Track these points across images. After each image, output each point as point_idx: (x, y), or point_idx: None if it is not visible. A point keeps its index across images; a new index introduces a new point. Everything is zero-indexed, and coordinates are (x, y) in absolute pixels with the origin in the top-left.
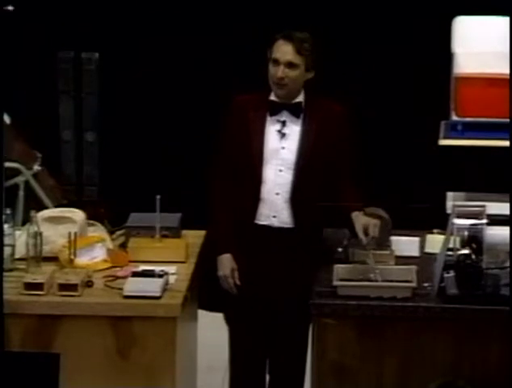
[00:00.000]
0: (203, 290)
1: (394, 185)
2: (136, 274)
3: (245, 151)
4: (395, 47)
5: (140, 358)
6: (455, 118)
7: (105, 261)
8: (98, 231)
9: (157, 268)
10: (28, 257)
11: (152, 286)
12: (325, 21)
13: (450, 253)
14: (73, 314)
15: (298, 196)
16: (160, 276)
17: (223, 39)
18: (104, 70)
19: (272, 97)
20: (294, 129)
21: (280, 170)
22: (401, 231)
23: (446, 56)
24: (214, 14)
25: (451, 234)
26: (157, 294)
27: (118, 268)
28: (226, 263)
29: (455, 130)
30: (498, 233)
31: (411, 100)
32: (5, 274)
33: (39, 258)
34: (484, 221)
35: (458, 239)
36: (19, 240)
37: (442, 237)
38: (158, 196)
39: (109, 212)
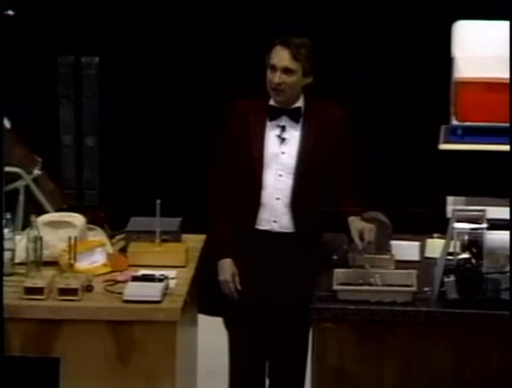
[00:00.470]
0: (203, 294)
1: (394, 189)
2: (136, 278)
3: (245, 156)
4: (395, 51)
5: (141, 362)
6: (454, 122)
7: (105, 265)
8: (98, 236)
9: (157, 273)
10: (28, 261)
11: (152, 290)
12: (325, 25)
13: (450, 257)
14: (73, 319)
15: (298, 201)
16: (160, 280)
17: (223, 43)
18: (104, 75)
19: (271, 102)
20: (294, 134)
21: (280, 175)
22: (401, 236)
23: (446, 61)
24: (214, 19)
25: (451, 238)
26: (157, 298)
27: (118, 273)
28: (227, 268)
29: (454, 135)
30: (498, 237)
31: (411, 105)
32: (5, 278)
33: (40, 262)
34: (485, 225)
35: (458, 244)
36: (19, 244)
37: (442, 241)
38: (158, 201)
39: (109, 216)
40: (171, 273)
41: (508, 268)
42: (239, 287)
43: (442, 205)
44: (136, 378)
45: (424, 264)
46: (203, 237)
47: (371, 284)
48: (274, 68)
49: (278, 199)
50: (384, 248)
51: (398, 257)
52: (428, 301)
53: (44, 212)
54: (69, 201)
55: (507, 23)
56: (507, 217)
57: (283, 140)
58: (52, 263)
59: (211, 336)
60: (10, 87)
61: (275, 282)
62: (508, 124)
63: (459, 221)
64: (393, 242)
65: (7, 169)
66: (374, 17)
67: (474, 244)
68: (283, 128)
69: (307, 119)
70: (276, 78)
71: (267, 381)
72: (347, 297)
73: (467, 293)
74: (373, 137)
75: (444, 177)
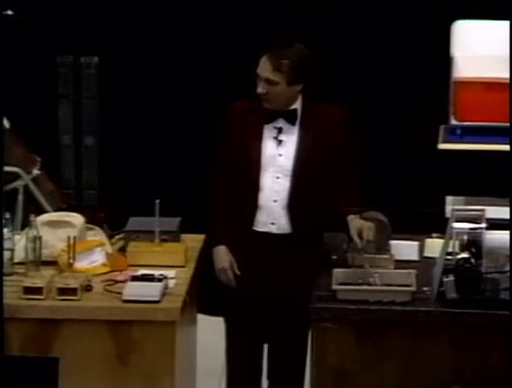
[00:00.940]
0: (203, 294)
1: (393, 189)
2: (135, 278)
3: (243, 158)
4: (394, 51)
5: (140, 362)
6: (454, 122)
7: (104, 265)
8: (97, 235)
9: (157, 272)
10: (27, 261)
11: (151, 290)
12: (326, 25)
13: (449, 257)
14: (73, 319)
15: (295, 203)
16: (159, 280)
17: (223, 43)
18: (103, 75)
19: (264, 104)
20: (291, 136)
21: (277, 177)
22: (401, 235)
23: (446, 61)
24: (214, 19)
25: (451, 238)
26: (157, 298)
27: (117, 272)
28: (223, 256)
29: (454, 134)
30: (497, 237)
31: (411, 104)
32: (4, 278)
33: (39, 262)
34: (484, 225)
35: (457, 243)
36: (19, 244)
37: (441, 241)
38: (157, 201)
39: (108, 216)
40: (170, 273)
41: (507, 268)
42: (238, 272)
43: (442, 205)
44: (135, 378)
45: (423, 264)
46: (202, 237)
47: (370, 284)
48: (258, 77)
49: (275, 201)
50: (383, 248)
51: (397, 257)
52: (427, 301)
53: (43, 211)
54: (68, 201)
55: (507, 22)
56: (506, 216)
57: (279, 142)
58: (52, 263)
59: (211, 336)
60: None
61: (274, 283)
62: (507, 124)
63: (458, 221)
64: (392, 242)
65: (6, 169)
66: (374, 17)
67: (473, 244)
68: (280, 130)
69: (304, 121)
70: (260, 87)
71: (267, 383)
72: (347, 297)
73: (466, 293)
74: (372, 137)
75: (443, 177)
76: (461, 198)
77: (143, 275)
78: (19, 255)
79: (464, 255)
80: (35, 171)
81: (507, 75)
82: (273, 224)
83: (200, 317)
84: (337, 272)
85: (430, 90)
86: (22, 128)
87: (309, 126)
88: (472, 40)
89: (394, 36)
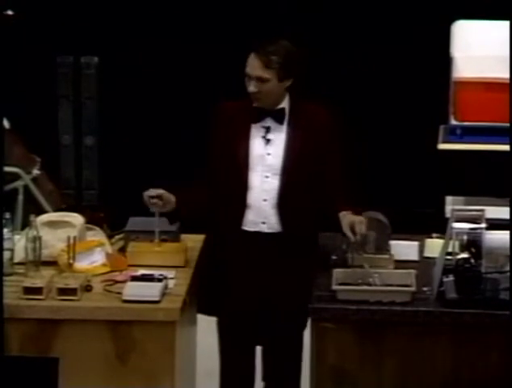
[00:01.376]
0: (203, 294)
1: (393, 189)
2: (135, 278)
3: (231, 158)
4: (394, 51)
5: (140, 362)
6: (453, 122)
7: (104, 265)
8: (97, 235)
9: (157, 273)
10: (27, 261)
11: (151, 290)
12: (326, 25)
13: (449, 257)
14: (72, 319)
15: (285, 202)
16: (159, 280)
17: (223, 43)
18: (103, 75)
19: (255, 104)
20: (279, 135)
21: (267, 177)
22: (400, 235)
23: (446, 61)
24: (214, 19)
25: (450, 238)
26: (157, 298)
27: (117, 273)
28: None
29: (453, 134)
30: (497, 237)
31: (410, 104)
32: (4, 278)
33: (39, 262)
34: (484, 225)
35: (457, 243)
36: (18, 244)
37: (441, 241)
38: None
39: (108, 216)
40: (170, 273)
41: (507, 268)
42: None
43: (441, 205)
44: (135, 378)
45: (423, 264)
46: (202, 237)
47: (370, 284)
48: (248, 76)
49: (265, 200)
50: (383, 248)
51: (397, 257)
52: (427, 301)
53: (43, 211)
54: (68, 201)
55: (507, 23)
56: (506, 216)
57: (268, 141)
58: (51, 263)
59: (211, 336)
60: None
61: (266, 283)
62: (507, 124)
63: (458, 221)
64: (392, 242)
65: (6, 169)
66: (374, 17)
67: (473, 244)
68: (268, 130)
69: (292, 119)
70: (251, 86)
71: (263, 384)
72: (346, 297)
73: (466, 293)
74: (372, 137)
75: (443, 177)
76: (461, 198)
77: (143, 275)
78: (19, 255)
79: (464, 255)
80: (35, 171)
81: (507, 75)
82: (263, 223)
83: (200, 317)
84: (337, 272)
85: (430, 90)
86: (22, 128)
87: (297, 125)
88: (472, 40)
89: (394, 36)
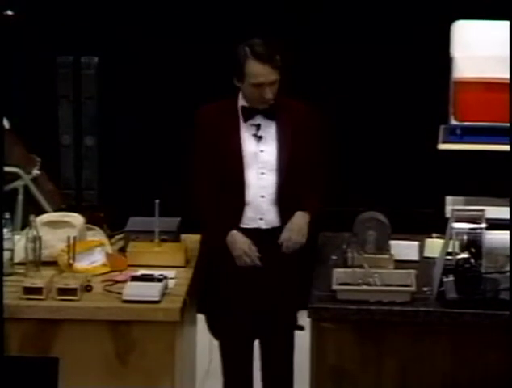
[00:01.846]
0: (203, 294)
1: (393, 189)
2: (135, 278)
3: (224, 158)
4: (394, 51)
5: (140, 362)
6: (453, 122)
7: (104, 265)
8: (97, 235)
9: (156, 273)
10: (27, 261)
11: (151, 290)
12: (325, 25)
13: (449, 257)
14: (72, 319)
15: (283, 197)
16: (159, 280)
17: (223, 43)
18: (103, 75)
19: (242, 103)
20: (270, 132)
21: (262, 173)
22: (400, 235)
23: (446, 61)
24: (214, 19)
25: (450, 238)
26: (157, 298)
27: (117, 273)
28: (239, 239)
29: (453, 134)
30: (497, 237)
31: (410, 104)
32: (4, 278)
33: (39, 262)
34: (483, 225)
35: (457, 243)
36: (18, 244)
37: (441, 241)
38: (157, 201)
39: (108, 216)
40: (170, 273)
41: (507, 268)
42: (257, 254)
43: (441, 205)
44: (135, 378)
45: (423, 264)
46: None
47: (370, 284)
48: (262, 84)
49: (262, 197)
50: (383, 248)
51: (397, 257)
52: (427, 301)
53: (43, 212)
54: (68, 201)
55: (507, 23)
56: (506, 216)
57: (259, 138)
58: (51, 263)
59: (210, 336)
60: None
61: (266, 278)
62: (507, 124)
63: (458, 221)
64: (392, 242)
65: (6, 169)
66: (374, 17)
67: (473, 244)
68: (258, 127)
69: (280, 116)
70: (268, 94)
71: (260, 374)
72: (346, 297)
73: (466, 293)
74: (372, 137)
75: (443, 177)
76: (461, 198)
77: (143, 275)
78: (19, 255)
79: (464, 255)
80: (35, 171)
81: (507, 75)
82: (261, 219)
83: (200, 317)
84: (337, 272)
85: (430, 90)
86: (22, 128)
87: (285, 121)
88: (472, 40)
89: (394, 36)
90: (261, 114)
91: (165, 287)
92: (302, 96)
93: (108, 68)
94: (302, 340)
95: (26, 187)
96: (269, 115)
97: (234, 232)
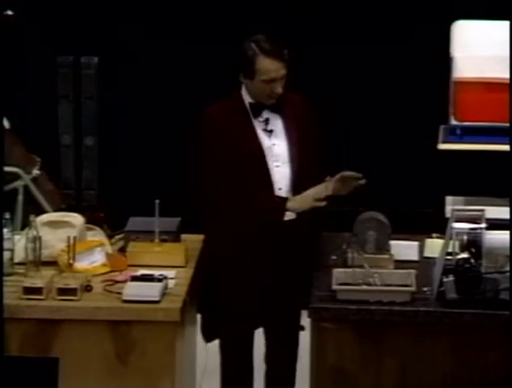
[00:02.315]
0: (203, 294)
1: (393, 189)
2: (135, 278)
3: (245, 156)
4: (394, 51)
5: (140, 362)
6: (453, 122)
7: (104, 265)
8: (97, 235)
9: (157, 273)
10: (27, 261)
11: (151, 290)
12: (326, 25)
13: (449, 257)
14: (72, 319)
15: (298, 187)
16: (159, 280)
17: (223, 43)
18: (103, 75)
19: (248, 99)
20: (277, 125)
21: (277, 166)
22: (400, 235)
23: (446, 61)
24: (214, 19)
25: (450, 238)
26: (157, 299)
27: (117, 273)
28: (298, 197)
29: (453, 134)
30: (497, 237)
31: (410, 104)
32: (4, 278)
33: (39, 262)
34: (484, 225)
35: (457, 243)
36: (18, 244)
37: (441, 241)
38: (157, 201)
39: (108, 216)
40: (170, 273)
41: (507, 268)
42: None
43: (441, 205)
44: (135, 378)
45: (423, 264)
46: (202, 237)
47: (370, 284)
48: (273, 80)
49: (280, 189)
50: (383, 248)
51: (397, 257)
52: (427, 301)
53: (43, 212)
54: (68, 201)
55: (507, 23)
56: (506, 216)
57: (270, 132)
58: (51, 263)
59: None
60: (9, 87)
61: (278, 269)
62: (507, 124)
63: (458, 221)
64: (392, 242)
65: (6, 169)
66: (374, 17)
67: (473, 244)
68: (267, 121)
69: (284, 109)
70: (278, 88)
71: (264, 367)
72: (346, 297)
73: (466, 293)
74: (372, 137)
75: (443, 177)
76: (461, 198)
77: (143, 275)
78: (19, 255)
79: (464, 255)
80: (35, 171)
81: (507, 75)
82: None
83: (200, 317)
84: (337, 272)
85: (430, 90)
86: (22, 128)
87: (290, 114)
88: (472, 40)
89: (394, 36)
90: (267, 109)
91: (165, 287)
92: (302, 96)
93: (108, 68)
94: (302, 340)
95: (26, 187)
96: (274, 109)
97: (288, 198)
